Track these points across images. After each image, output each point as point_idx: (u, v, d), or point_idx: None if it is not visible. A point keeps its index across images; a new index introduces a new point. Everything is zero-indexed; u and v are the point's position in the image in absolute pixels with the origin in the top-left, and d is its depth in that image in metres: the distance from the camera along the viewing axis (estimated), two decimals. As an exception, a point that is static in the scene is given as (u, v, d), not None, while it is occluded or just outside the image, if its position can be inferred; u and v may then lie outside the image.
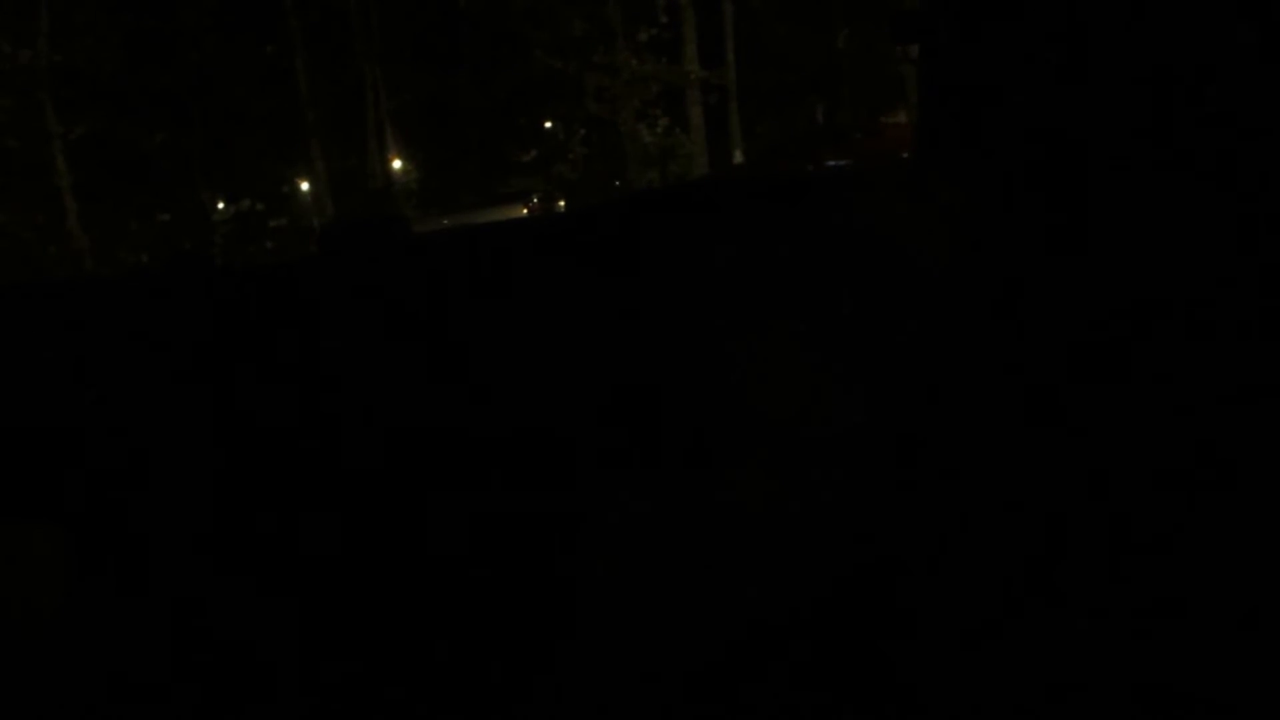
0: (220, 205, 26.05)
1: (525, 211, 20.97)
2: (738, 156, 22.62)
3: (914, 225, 3.49)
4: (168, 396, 3.69)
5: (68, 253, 21.45)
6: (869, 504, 2.94)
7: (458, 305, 3.89)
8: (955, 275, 3.36)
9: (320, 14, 25.08)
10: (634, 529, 3.06)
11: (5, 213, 21.84)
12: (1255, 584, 2.53)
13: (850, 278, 3.44)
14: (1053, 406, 3.01)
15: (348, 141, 26.22)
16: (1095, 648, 2.51)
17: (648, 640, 2.79)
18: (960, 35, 4.20)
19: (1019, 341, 3.21)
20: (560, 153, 25.16)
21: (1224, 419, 2.85)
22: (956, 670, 2.56)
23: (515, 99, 25.09)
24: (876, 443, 3.06)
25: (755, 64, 24.14)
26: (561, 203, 23.57)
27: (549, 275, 3.86)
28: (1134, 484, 2.79)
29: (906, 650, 2.63)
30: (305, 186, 26.50)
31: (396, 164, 26.29)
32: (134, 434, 3.63)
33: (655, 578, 2.93)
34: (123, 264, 22.78)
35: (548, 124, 25.27)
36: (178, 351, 3.80)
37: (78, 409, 3.72)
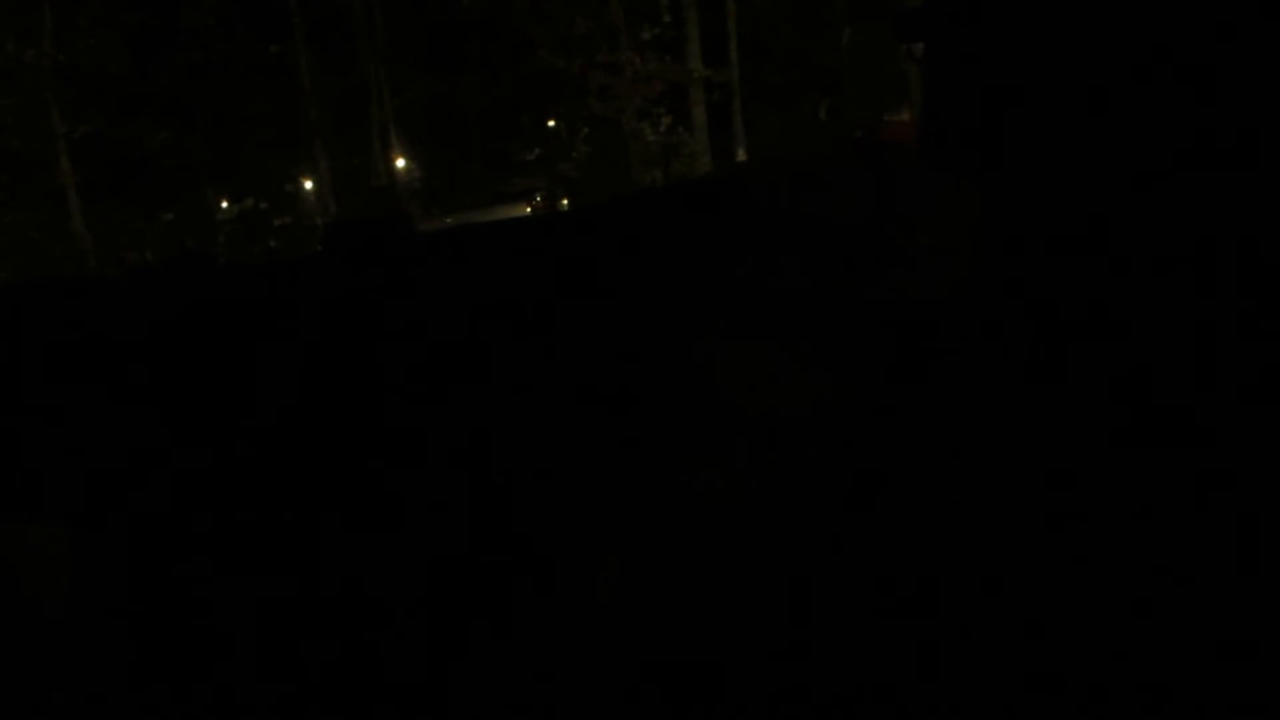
0: (224, 204, 26.07)
1: (528, 210, 20.98)
2: (741, 155, 22.59)
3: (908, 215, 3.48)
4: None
5: (72, 252, 21.46)
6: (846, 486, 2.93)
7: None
8: (954, 267, 3.35)
9: (324, 13, 25.08)
10: (613, 520, 3.05)
11: (10, 212, 21.85)
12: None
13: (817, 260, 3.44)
14: (1051, 396, 3.00)
15: (351, 141, 26.22)
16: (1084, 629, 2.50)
17: (629, 634, 2.79)
18: (963, 33, 4.19)
19: (1021, 333, 3.20)
20: (563, 151, 25.13)
21: (1228, 414, 2.84)
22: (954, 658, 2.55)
23: (518, 98, 25.07)
24: (850, 425, 3.05)
25: (758, 62, 24.10)
26: (565, 201, 23.56)
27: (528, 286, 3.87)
28: (1133, 475, 2.78)
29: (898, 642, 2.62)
30: (309, 185, 26.51)
31: (400, 163, 26.29)
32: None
33: (636, 570, 2.93)
34: (126, 263, 22.80)
35: (551, 123, 25.24)
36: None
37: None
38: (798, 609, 2.78)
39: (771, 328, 3.34)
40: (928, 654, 2.59)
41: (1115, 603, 2.58)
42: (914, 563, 2.79)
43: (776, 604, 2.78)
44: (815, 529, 2.92)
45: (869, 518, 2.91)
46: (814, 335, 3.28)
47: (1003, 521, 2.80)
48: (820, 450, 3.02)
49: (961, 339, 3.19)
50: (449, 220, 19.10)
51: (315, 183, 25.91)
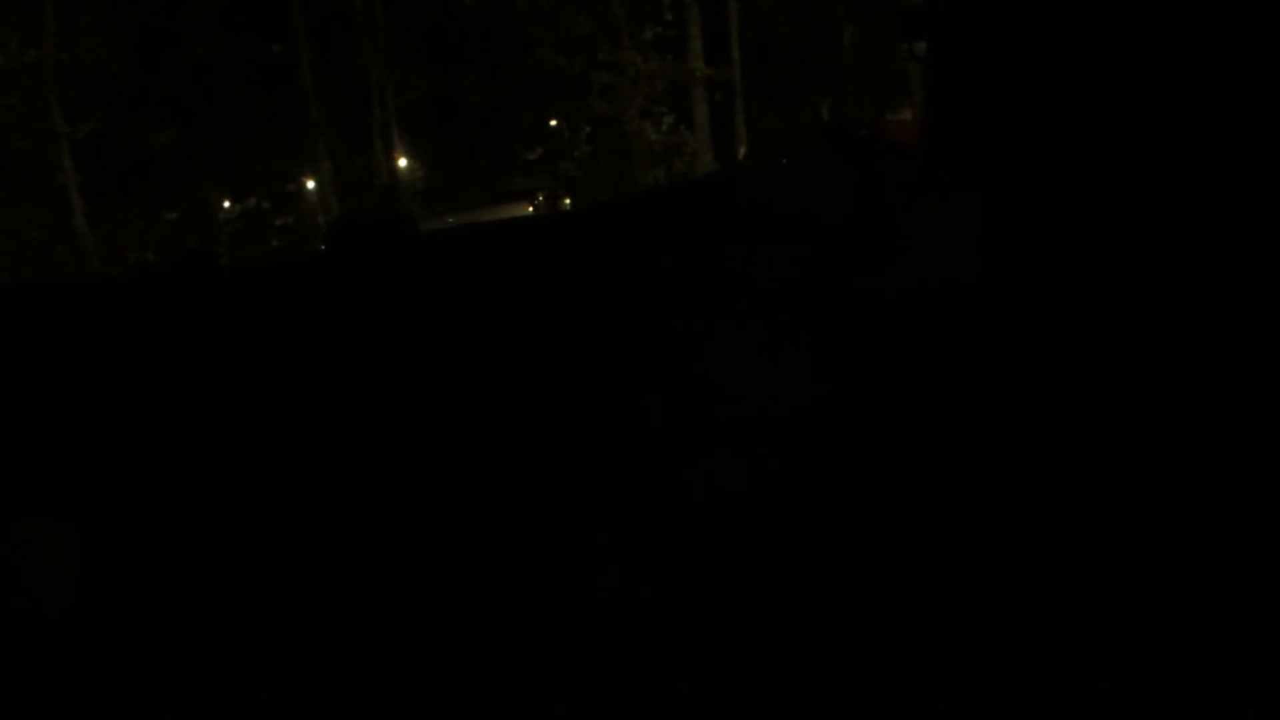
0: (226, 204, 26.09)
1: (530, 209, 20.96)
2: (742, 153, 22.61)
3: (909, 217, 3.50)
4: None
5: (74, 251, 21.47)
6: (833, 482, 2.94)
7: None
8: (953, 263, 3.36)
9: (325, 13, 25.10)
10: (613, 523, 3.06)
11: (13, 212, 21.87)
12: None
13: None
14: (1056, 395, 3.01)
15: (353, 140, 26.25)
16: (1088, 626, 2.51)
17: (633, 640, 2.79)
18: (966, 32, 4.20)
19: (1021, 329, 3.21)
20: (565, 151, 25.15)
21: (1231, 410, 2.85)
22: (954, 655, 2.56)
23: (520, 97, 25.08)
24: (837, 421, 3.05)
25: (760, 61, 24.11)
26: (567, 200, 23.55)
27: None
28: (1134, 480, 2.79)
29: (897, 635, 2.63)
30: (311, 185, 26.53)
31: (402, 162, 26.30)
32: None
33: (637, 574, 2.93)
34: (129, 262, 22.82)
35: (553, 122, 25.27)
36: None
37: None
38: (797, 607, 2.79)
39: (769, 319, 3.36)
40: (927, 654, 2.60)
41: (1118, 601, 2.59)
42: (914, 559, 2.79)
43: (776, 602, 2.79)
44: (815, 525, 2.93)
45: (869, 514, 2.92)
46: (808, 326, 3.30)
47: (1003, 515, 2.81)
48: (819, 441, 3.03)
49: (959, 333, 3.20)
50: (451, 220, 19.10)
51: (317, 182, 25.94)
